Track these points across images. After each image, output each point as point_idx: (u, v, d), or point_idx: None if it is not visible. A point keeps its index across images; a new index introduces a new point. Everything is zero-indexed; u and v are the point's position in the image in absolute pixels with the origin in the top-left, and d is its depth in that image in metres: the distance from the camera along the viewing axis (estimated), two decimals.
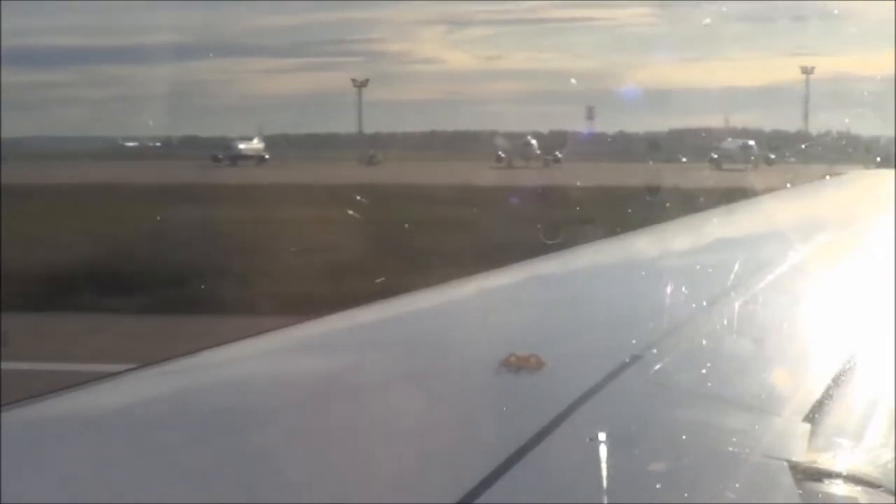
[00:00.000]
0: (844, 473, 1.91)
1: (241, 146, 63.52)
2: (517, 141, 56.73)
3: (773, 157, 49.05)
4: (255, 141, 65.10)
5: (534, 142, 58.33)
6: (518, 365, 2.14)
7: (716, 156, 49.53)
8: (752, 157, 49.40)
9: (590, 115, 55.90)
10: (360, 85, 67.18)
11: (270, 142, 66.70)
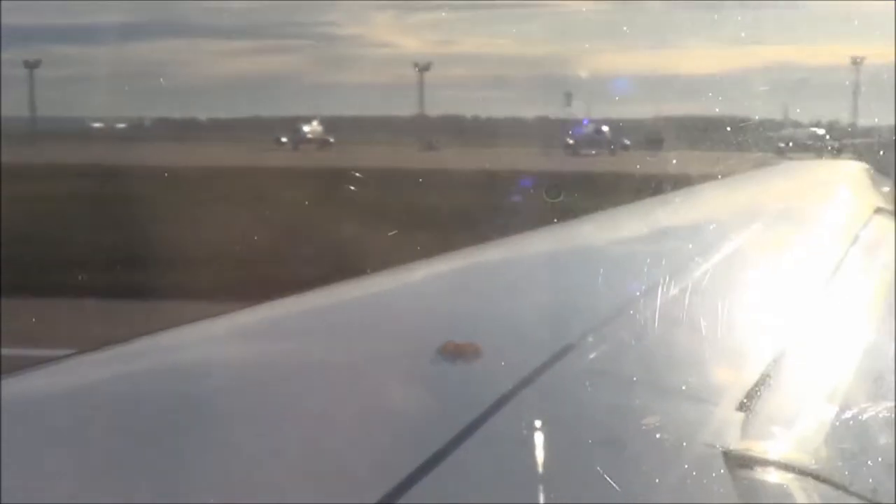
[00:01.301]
0: (776, 460, 1.93)
1: (306, 129, 61.15)
2: (580, 127, 53.82)
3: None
4: (315, 124, 62.64)
5: (605, 128, 55.78)
6: (455, 352, 2.14)
7: (572, 141, 50.60)
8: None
9: (567, 102, 54.97)
10: (423, 69, 64.97)
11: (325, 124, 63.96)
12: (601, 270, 3.46)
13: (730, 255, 3.91)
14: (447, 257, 3.81)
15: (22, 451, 1.62)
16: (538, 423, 1.80)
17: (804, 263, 4.17)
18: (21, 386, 1.99)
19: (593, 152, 49.55)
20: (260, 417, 1.83)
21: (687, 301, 3.02)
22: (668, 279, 3.22)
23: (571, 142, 52.24)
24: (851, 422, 2.26)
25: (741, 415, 2.08)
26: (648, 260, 3.58)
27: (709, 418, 2.07)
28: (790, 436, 2.12)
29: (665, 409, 2.06)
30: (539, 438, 1.76)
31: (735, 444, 1.92)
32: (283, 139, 59.64)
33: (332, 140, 58.74)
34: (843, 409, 2.30)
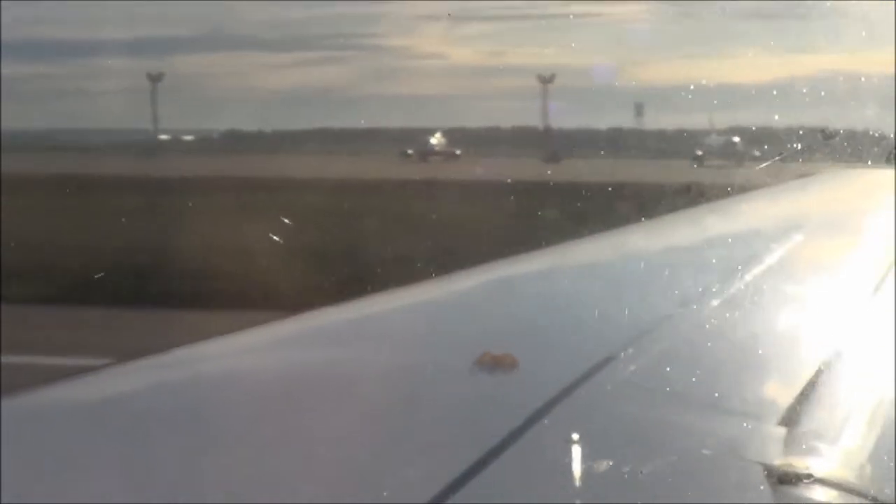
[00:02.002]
0: (819, 477, 1.90)
1: (433, 141, 58.36)
2: (707, 138, 52.31)
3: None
4: (439, 136, 59.86)
5: (737, 139, 54.32)
6: (492, 364, 2.13)
7: (699, 152, 49.07)
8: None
9: (638, 112, 54.04)
10: (547, 81, 62.83)
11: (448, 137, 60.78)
12: (656, 278, 3.45)
13: (773, 265, 3.87)
14: (486, 268, 3.79)
15: (52, 461, 1.63)
16: (575, 436, 1.78)
17: (849, 273, 4.11)
18: (62, 394, 2.01)
19: (721, 163, 47.98)
20: (298, 427, 1.83)
21: (731, 313, 2.99)
22: (713, 289, 3.19)
23: (700, 153, 50.57)
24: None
25: (784, 430, 2.05)
26: (696, 270, 3.55)
27: (751, 433, 2.04)
28: (834, 452, 2.09)
29: (706, 424, 2.03)
30: (576, 451, 1.75)
31: (777, 459, 1.89)
32: (409, 151, 56.52)
33: (458, 152, 55.33)
34: (888, 425, 2.26)
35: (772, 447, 1.95)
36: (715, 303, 3.10)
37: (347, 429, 1.82)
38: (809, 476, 1.86)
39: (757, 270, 3.69)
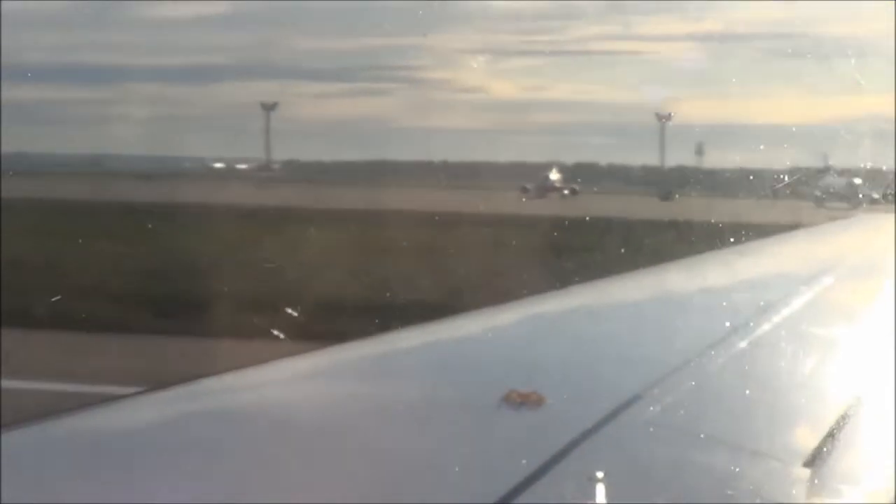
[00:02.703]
0: None
1: (553, 177, 54.27)
2: (824, 179, 50.37)
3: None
4: (554, 171, 55.77)
5: (858, 181, 51.93)
6: (519, 401, 2.15)
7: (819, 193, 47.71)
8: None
9: (699, 151, 52.60)
10: (665, 119, 59.53)
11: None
12: (679, 319, 3.45)
13: (800, 308, 3.87)
14: (514, 305, 3.81)
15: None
16: (599, 475, 1.80)
17: (876, 317, 4.11)
18: (94, 421, 2.04)
19: (843, 204, 45.58)
20: (320, 462, 1.85)
21: (755, 354, 3.00)
22: (739, 329, 3.20)
23: (819, 193, 48.32)
24: None
25: (808, 471, 2.05)
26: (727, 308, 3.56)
27: (776, 474, 2.05)
28: (857, 494, 2.09)
29: (730, 465, 2.04)
30: (599, 491, 1.76)
31: (802, 500, 1.90)
32: (528, 186, 51.91)
33: (577, 189, 50.85)
34: None
35: (796, 489, 1.96)
36: (744, 343, 3.10)
37: (371, 465, 1.84)
38: None
39: (786, 314, 3.70)
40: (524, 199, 47.75)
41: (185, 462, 1.80)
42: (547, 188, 52.69)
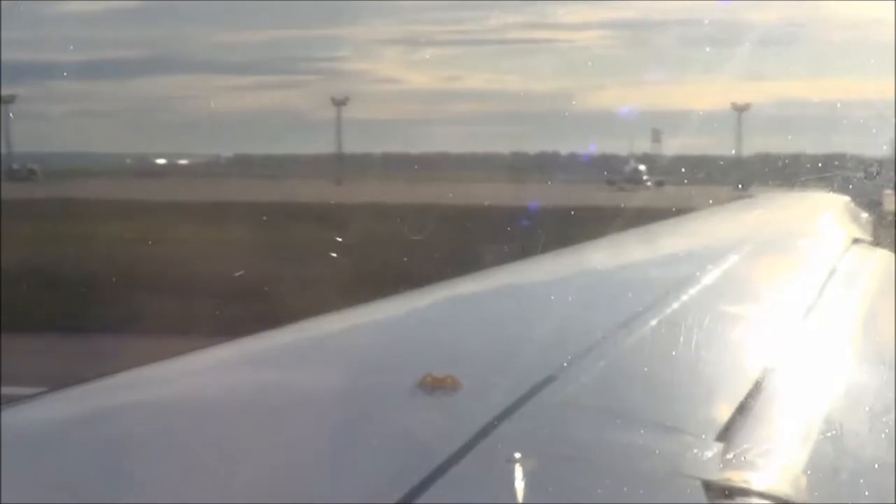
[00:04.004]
0: (757, 491, 1.93)
1: (641, 167, 52.12)
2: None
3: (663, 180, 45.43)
4: (633, 162, 54.28)
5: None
6: (434, 386, 2.13)
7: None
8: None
9: (656, 138, 51.76)
10: (741, 109, 53.52)
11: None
12: (591, 298, 3.47)
13: (709, 284, 3.93)
14: (431, 289, 3.80)
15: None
16: (517, 456, 1.79)
17: (785, 292, 4.18)
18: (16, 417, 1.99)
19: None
20: (236, 451, 1.82)
21: (668, 331, 3.03)
22: (650, 308, 3.23)
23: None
24: (832, 451, 2.26)
25: (722, 445, 2.08)
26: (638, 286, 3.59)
27: (689, 449, 2.06)
28: (771, 466, 2.12)
29: (644, 441, 2.05)
30: (518, 472, 1.76)
31: (715, 474, 1.91)
32: (614, 178, 50.03)
33: (664, 180, 46.16)
34: (823, 439, 2.30)
35: (711, 463, 1.98)
36: (655, 321, 3.13)
37: (281, 455, 1.81)
38: (747, 490, 1.89)
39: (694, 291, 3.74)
40: (614, 191, 43.54)
41: (87, 460, 1.76)
42: (634, 179, 50.51)
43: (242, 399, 2.19)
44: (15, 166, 58.23)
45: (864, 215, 8.19)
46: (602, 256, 5.12)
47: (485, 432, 1.89)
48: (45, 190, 41.21)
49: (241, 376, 2.45)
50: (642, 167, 53.64)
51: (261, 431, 1.93)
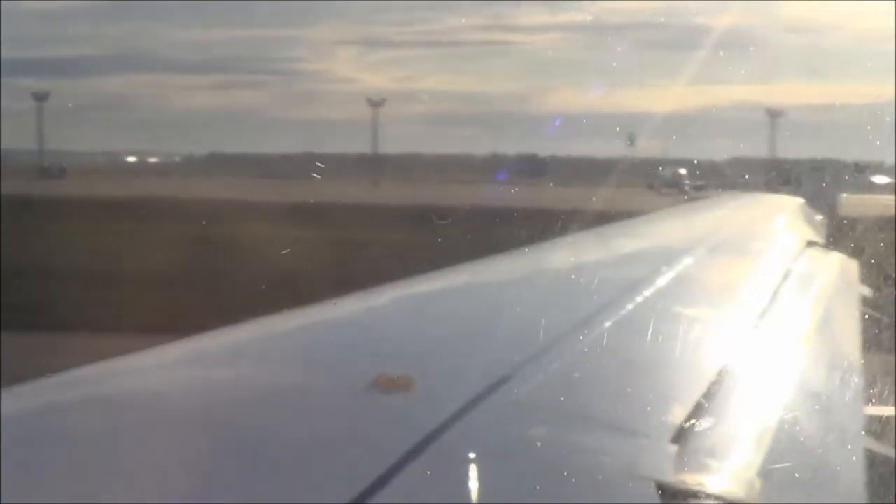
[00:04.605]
0: (710, 493, 1.93)
1: (682, 171, 50.83)
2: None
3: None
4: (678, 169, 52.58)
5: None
6: (388, 386, 2.11)
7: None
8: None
9: (630, 141, 51.08)
10: (775, 115, 52.38)
11: None
12: (546, 299, 3.46)
13: (664, 287, 3.93)
14: (385, 289, 3.78)
15: None
16: (470, 456, 1.78)
17: (740, 295, 4.20)
18: None
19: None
20: (193, 448, 1.79)
21: (623, 333, 3.02)
22: (608, 308, 3.23)
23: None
24: (784, 453, 2.26)
25: (675, 447, 2.07)
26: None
27: (643, 451, 2.06)
28: (724, 468, 2.12)
29: (599, 442, 2.05)
30: (471, 472, 1.74)
31: (669, 476, 1.91)
32: (656, 184, 49.27)
33: (703, 184, 42.17)
34: (776, 442, 2.31)
35: (665, 464, 1.98)
36: (610, 322, 3.13)
37: (238, 453, 1.79)
38: (700, 493, 1.89)
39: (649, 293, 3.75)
40: (657, 196, 42.24)
41: (53, 452, 1.73)
42: (677, 185, 48.95)
43: (195, 397, 2.16)
44: None
45: (819, 217, 8.29)
46: (558, 255, 5.12)
47: (437, 433, 1.87)
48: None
49: (194, 374, 2.41)
50: (683, 171, 52.71)
51: (212, 430, 1.90)
